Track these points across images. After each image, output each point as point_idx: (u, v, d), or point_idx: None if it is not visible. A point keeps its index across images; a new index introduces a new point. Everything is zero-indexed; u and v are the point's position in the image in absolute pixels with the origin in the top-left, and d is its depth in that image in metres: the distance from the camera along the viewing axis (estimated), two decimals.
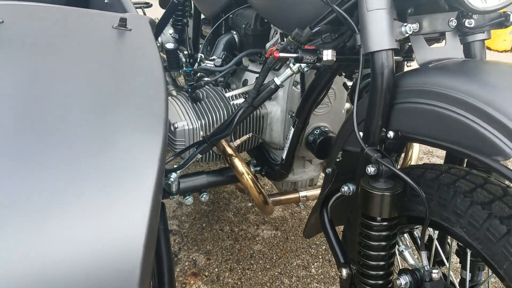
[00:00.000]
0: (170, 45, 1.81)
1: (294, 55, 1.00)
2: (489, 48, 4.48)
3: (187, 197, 1.35)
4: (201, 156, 1.23)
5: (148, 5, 2.34)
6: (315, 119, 1.37)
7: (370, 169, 0.90)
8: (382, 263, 0.95)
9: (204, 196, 1.37)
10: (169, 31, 2.20)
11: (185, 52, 1.89)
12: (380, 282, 0.96)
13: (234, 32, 1.55)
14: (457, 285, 1.00)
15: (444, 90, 0.79)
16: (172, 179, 1.24)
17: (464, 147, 0.76)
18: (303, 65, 1.09)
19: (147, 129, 0.66)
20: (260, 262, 1.68)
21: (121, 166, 0.60)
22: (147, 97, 0.74)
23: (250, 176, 1.30)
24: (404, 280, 0.92)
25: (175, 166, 1.25)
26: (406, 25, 0.87)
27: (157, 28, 1.86)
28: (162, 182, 0.72)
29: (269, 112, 1.40)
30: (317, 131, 1.36)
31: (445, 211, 0.86)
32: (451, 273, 1.01)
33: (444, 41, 0.95)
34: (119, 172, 0.60)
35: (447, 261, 1.03)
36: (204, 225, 1.83)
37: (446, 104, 0.79)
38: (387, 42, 0.86)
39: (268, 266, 1.66)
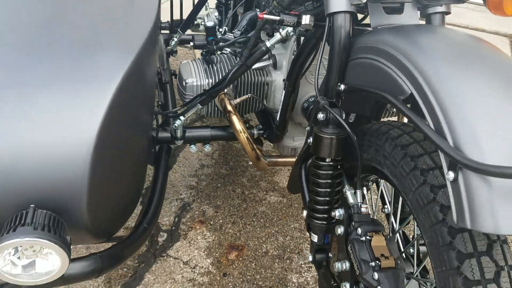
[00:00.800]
0: (209, 23, 2.04)
1: (276, 18, 1.16)
2: None
3: (192, 146, 1.55)
4: (201, 107, 1.43)
5: None
6: (311, 88, 1.52)
7: (320, 115, 1.05)
8: (327, 199, 1.09)
9: (207, 147, 1.58)
10: (214, 13, 2.44)
11: (220, 30, 2.11)
12: (325, 215, 1.10)
13: (258, 10, 1.73)
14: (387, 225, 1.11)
15: (378, 45, 0.93)
16: (176, 125, 1.45)
17: (385, 92, 0.89)
18: (289, 29, 1.25)
19: (116, 52, 0.86)
20: (261, 220, 1.85)
21: (88, 73, 0.81)
22: (132, 29, 0.94)
23: (245, 134, 1.47)
24: (338, 212, 1.06)
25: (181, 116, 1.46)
26: None
27: (198, 4, 2.08)
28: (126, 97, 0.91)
29: (274, 80, 1.57)
30: (311, 99, 1.51)
31: (378, 155, 0.99)
32: (392, 219, 1.12)
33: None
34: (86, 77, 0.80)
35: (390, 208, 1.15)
36: (219, 185, 2.03)
37: (377, 57, 0.92)
38: (344, 5, 1.00)
39: (267, 225, 1.83)
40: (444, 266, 0.78)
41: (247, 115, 1.71)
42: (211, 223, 1.82)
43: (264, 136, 1.65)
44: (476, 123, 0.70)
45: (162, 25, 2.41)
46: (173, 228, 1.79)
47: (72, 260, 0.87)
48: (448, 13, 1.09)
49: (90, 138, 0.77)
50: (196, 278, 1.59)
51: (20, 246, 0.73)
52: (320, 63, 1.09)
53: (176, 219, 1.83)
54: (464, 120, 0.70)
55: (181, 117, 1.43)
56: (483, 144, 0.68)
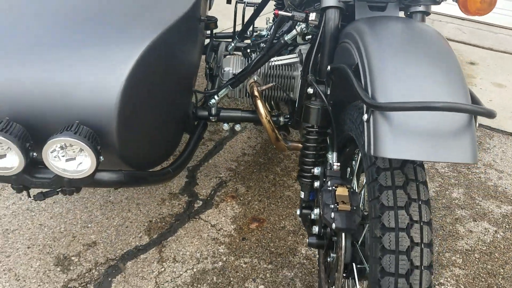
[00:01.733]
0: (262, 32, 2.36)
1: (289, 14, 1.43)
2: None
3: (225, 124, 1.85)
4: (232, 88, 1.72)
5: None
6: None
7: (309, 90, 1.29)
8: (312, 160, 1.32)
9: (237, 126, 1.86)
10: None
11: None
12: (310, 174, 1.32)
13: None
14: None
15: (351, 30, 1.16)
16: (210, 103, 1.75)
17: (345, 64, 1.11)
18: (303, 26, 1.51)
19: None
20: (285, 202, 2.08)
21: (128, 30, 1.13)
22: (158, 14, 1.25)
23: (268, 117, 1.73)
24: (317, 169, 1.28)
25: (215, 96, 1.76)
26: None
27: (252, 15, 2.39)
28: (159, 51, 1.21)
29: (299, 74, 1.83)
30: None
31: (350, 123, 1.20)
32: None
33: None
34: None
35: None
36: (255, 170, 2.29)
37: (348, 40, 1.15)
38: (333, 1, 1.25)
39: (289, 206, 2.05)
40: (371, 197, 0.99)
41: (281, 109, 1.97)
42: (241, 199, 2.08)
43: (289, 123, 1.90)
44: (389, 82, 0.91)
45: (227, 33, 2.78)
46: (208, 198, 2.08)
47: (103, 170, 1.18)
48: (428, 13, 1.28)
49: (120, 81, 1.09)
50: (219, 238, 1.86)
51: (64, 145, 1.05)
52: (315, 50, 1.34)
53: (212, 192, 2.12)
54: (382, 80, 0.92)
55: (215, 97, 1.74)
56: (389, 93, 0.89)
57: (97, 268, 1.70)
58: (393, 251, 0.91)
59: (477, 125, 0.98)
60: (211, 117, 1.80)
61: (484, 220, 2.06)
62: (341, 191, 1.18)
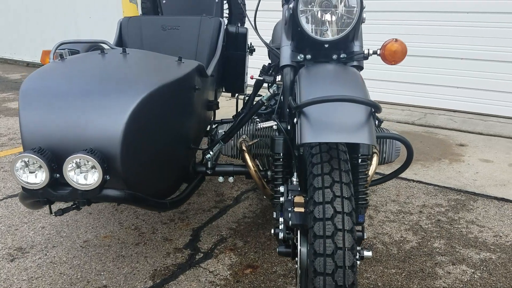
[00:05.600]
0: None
1: (260, 78, 1.84)
2: None
3: (220, 177, 2.17)
4: (223, 144, 2.08)
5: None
6: None
7: (274, 126, 1.65)
8: (280, 182, 1.61)
9: (230, 178, 2.18)
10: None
11: None
12: (278, 195, 1.61)
13: None
14: None
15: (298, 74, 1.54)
16: (206, 157, 2.10)
17: (293, 99, 1.48)
18: (274, 87, 1.91)
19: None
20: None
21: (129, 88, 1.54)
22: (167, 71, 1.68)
23: (254, 168, 2.06)
24: (282, 188, 1.57)
25: (210, 151, 2.12)
26: (300, 55, 1.66)
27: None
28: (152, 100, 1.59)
29: None
30: None
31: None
32: None
33: None
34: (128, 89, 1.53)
35: None
36: (253, 229, 2.55)
37: (296, 80, 1.53)
38: (288, 61, 1.66)
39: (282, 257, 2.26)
40: (309, 178, 1.28)
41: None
42: (239, 250, 2.32)
43: None
44: (310, 93, 1.26)
45: None
46: (209, 251, 2.32)
47: (110, 188, 1.50)
48: (361, 67, 1.67)
49: (123, 121, 1.47)
50: (215, 281, 2.07)
51: (79, 162, 1.39)
52: (279, 100, 1.72)
53: (213, 246, 2.36)
54: (305, 93, 1.28)
55: (210, 152, 2.09)
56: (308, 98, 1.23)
57: None
58: (320, 187, 1.19)
59: (376, 122, 1.28)
60: (207, 171, 2.13)
61: (463, 264, 2.21)
62: (298, 199, 1.47)
